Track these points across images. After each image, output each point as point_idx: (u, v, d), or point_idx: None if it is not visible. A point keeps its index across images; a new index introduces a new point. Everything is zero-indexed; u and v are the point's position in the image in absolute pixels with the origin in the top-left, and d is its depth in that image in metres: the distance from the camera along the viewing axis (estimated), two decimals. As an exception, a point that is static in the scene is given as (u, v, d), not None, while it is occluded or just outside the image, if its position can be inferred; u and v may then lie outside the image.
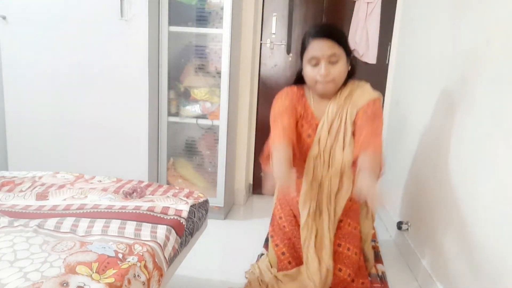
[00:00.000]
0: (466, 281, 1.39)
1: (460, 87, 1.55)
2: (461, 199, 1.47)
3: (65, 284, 0.82)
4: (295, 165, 1.48)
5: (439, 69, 1.79)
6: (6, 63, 2.21)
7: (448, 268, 1.54)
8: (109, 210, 1.22)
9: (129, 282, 0.89)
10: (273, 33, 2.71)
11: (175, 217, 1.22)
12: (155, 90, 2.27)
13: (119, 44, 2.10)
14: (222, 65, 2.25)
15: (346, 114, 1.55)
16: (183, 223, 1.23)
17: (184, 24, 2.29)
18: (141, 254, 0.99)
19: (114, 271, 0.89)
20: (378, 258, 2.00)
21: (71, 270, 0.87)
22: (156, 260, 1.03)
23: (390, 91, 2.69)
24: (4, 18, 2.14)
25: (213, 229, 1.86)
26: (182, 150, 2.50)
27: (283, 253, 1.71)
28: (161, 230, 1.14)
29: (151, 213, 1.22)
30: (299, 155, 1.62)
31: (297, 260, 1.69)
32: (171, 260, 1.15)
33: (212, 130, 2.42)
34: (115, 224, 1.13)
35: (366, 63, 2.66)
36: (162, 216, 1.21)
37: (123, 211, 1.22)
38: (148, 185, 1.52)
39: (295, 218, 1.75)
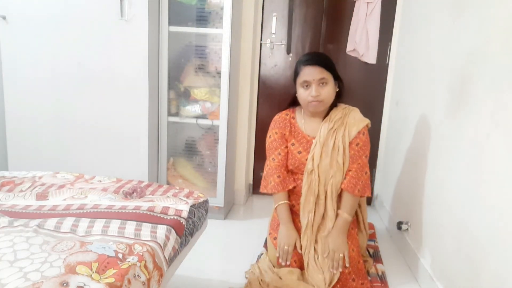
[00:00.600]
0: (466, 281, 1.39)
1: (460, 87, 1.55)
2: (461, 199, 1.47)
3: (65, 284, 0.82)
4: (288, 177, 1.83)
5: (439, 69, 1.79)
6: (6, 63, 2.21)
7: (448, 268, 1.54)
8: (109, 210, 1.22)
9: (129, 282, 0.89)
10: (273, 33, 2.71)
11: (175, 217, 1.22)
12: (155, 90, 2.27)
13: (119, 44, 2.10)
14: (222, 65, 2.25)
15: (342, 136, 1.73)
16: (183, 223, 1.23)
17: (184, 24, 2.29)
18: (141, 254, 0.99)
19: (114, 271, 0.89)
20: (378, 258, 2.00)
21: (71, 270, 0.87)
22: (156, 260, 1.03)
23: (390, 91, 2.69)
24: (4, 18, 2.14)
25: (213, 229, 1.86)
26: (182, 150, 2.50)
27: None
28: (161, 230, 1.14)
29: (151, 213, 1.22)
30: (293, 167, 1.82)
31: (295, 250, 1.73)
32: (171, 260, 1.15)
33: (212, 130, 2.42)
34: (115, 224, 1.13)
35: (366, 63, 2.66)
36: (162, 216, 1.21)
37: (123, 211, 1.22)
38: (148, 185, 1.52)
39: (292, 216, 1.82)
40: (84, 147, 2.24)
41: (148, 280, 0.97)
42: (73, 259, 0.91)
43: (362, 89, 2.72)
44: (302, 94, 1.72)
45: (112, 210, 1.22)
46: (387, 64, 2.67)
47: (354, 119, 1.76)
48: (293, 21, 2.69)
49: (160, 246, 1.08)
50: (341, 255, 1.65)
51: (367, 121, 1.78)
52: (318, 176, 1.74)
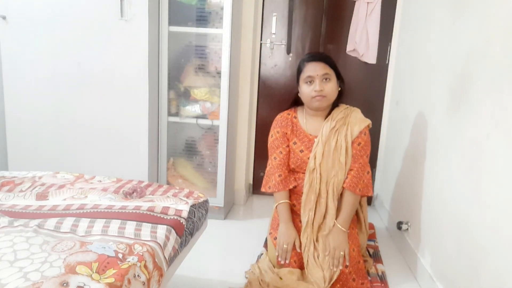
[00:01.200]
0: (466, 281, 1.39)
1: (460, 87, 1.55)
2: (461, 199, 1.47)
3: (65, 284, 0.82)
4: (289, 176, 1.83)
5: (439, 69, 1.79)
6: (6, 63, 2.21)
7: (448, 268, 1.54)
8: (109, 210, 1.22)
9: (129, 282, 0.89)
10: (273, 33, 2.71)
11: (175, 217, 1.22)
12: (155, 90, 2.27)
13: (119, 44, 2.10)
14: (222, 65, 2.25)
15: (345, 136, 1.74)
16: (183, 223, 1.23)
17: (184, 24, 2.29)
18: (141, 254, 0.99)
19: (114, 271, 0.89)
20: (378, 258, 2.00)
21: (71, 270, 0.87)
22: (156, 260, 1.03)
23: (390, 91, 2.69)
24: (4, 18, 2.14)
25: (213, 229, 1.86)
26: (182, 150, 2.50)
27: None
28: (161, 230, 1.14)
29: (151, 213, 1.22)
30: (293, 166, 1.83)
31: (295, 251, 1.73)
32: (171, 260, 1.15)
33: (212, 130, 2.42)
34: (115, 224, 1.13)
35: (366, 63, 2.66)
36: (162, 216, 1.21)
37: (123, 211, 1.22)
38: (148, 185, 1.52)
39: (293, 216, 1.83)
40: (84, 147, 2.24)
41: (148, 280, 0.97)
42: (73, 259, 0.91)
43: (362, 89, 2.72)
44: (306, 90, 1.73)
45: (112, 210, 1.22)
46: (387, 64, 2.67)
47: (356, 119, 1.78)
48: (293, 21, 2.69)
49: (160, 246, 1.08)
50: (342, 253, 1.66)
51: (368, 121, 1.79)
52: (320, 174, 1.74)
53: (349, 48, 2.66)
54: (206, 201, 1.48)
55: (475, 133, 1.40)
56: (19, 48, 2.17)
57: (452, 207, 1.54)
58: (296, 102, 1.87)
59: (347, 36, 2.65)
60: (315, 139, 1.78)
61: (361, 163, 1.75)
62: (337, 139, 1.74)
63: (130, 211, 1.22)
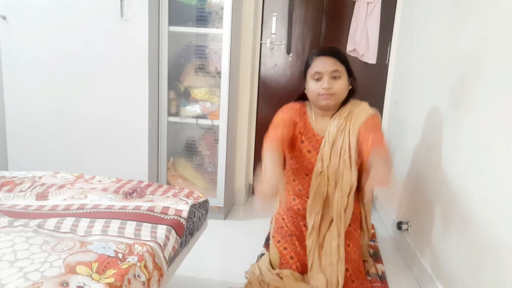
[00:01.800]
0: (466, 281, 1.39)
1: (460, 87, 1.55)
2: (461, 199, 1.47)
3: (65, 284, 0.82)
4: (291, 175, 1.74)
5: (439, 69, 1.79)
6: (6, 63, 2.21)
7: (448, 268, 1.54)
8: (109, 210, 1.22)
9: (129, 282, 0.89)
10: (273, 33, 2.71)
11: (175, 217, 1.22)
12: (155, 90, 2.27)
13: (119, 44, 2.10)
14: (222, 65, 2.25)
15: (349, 132, 1.62)
16: (183, 223, 1.23)
17: (184, 24, 2.29)
18: (141, 254, 0.99)
19: (114, 271, 0.89)
20: (378, 258, 2.00)
21: (71, 270, 0.87)
22: (156, 260, 1.03)
23: (390, 91, 2.69)
24: (4, 18, 2.14)
25: (213, 229, 1.86)
26: (182, 150, 2.50)
27: (285, 248, 1.74)
28: (161, 230, 1.14)
29: (151, 213, 1.22)
30: (300, 167, 1.73)
31: (298, 256, 1.72)
32: (171, 260, 1.15)
33: (212, 130, 2.42)
34: (115, 224, 1.13)
35: (366, 63, 2.66)
36: (162, 216, 1.21)
37: (123, 211, 1.22)
38: (148, 185, 1.52)
39: (298, 218, 1.78)
40: (84, 147, 2.24)
41: (148, 280, 0.97)
42: (73, 259, 0.91)
43: (362, 89, 2.67)
44: (313, 87, 1.60)
45: (112, 210, 1.22)
46: (387, 64, 2.67)
47: (360, 111, 1.65)
48: (293, 21, 2.69)
49: (160, 246, 1.08)
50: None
51: (370, 111, 1.65)
52: (328, 177, 1.64)
53: (349, 48, 2.66)
54: (206, 201, 1.48)
55: (475, 133, 1.40)
56: (19, 48, 2.17)
57: (452, 207, 1.54)
58: (302, 99, 1.75)
59: (347, 36, 2.65)
60: (322, 140, 1.67)
61: (376, 138, 1.49)
62: (343, 138, 1.63)
63: (130, 211, 1.22)
